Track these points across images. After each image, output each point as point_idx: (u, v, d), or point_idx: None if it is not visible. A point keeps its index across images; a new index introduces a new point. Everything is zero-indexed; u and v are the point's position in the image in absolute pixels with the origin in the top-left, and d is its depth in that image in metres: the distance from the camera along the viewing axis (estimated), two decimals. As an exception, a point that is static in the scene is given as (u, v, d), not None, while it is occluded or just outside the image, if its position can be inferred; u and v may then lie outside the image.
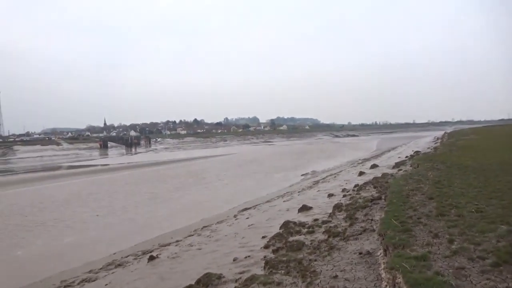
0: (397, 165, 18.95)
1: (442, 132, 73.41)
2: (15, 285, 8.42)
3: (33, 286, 8.29)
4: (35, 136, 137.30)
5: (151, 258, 8.14)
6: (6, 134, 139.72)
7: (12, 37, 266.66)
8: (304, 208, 10.44)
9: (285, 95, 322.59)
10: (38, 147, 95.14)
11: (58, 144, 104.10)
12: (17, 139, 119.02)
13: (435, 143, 39.52)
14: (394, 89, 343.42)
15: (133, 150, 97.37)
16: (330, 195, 12.29)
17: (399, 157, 25.23)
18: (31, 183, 28.90)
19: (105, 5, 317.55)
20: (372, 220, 7.82)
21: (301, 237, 7.41)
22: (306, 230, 7.92)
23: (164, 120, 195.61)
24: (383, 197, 9.68)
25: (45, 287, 8.00)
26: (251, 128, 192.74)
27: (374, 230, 6.96)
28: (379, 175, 15.25)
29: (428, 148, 31.78)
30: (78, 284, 7.71)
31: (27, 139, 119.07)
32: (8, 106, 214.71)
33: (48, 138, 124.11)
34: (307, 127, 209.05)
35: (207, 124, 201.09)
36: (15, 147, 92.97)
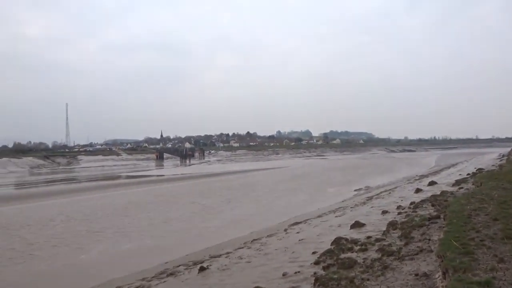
0: (458, 182, 17.94)
1: (509, 149, 68.85)
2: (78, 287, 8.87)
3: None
4: (97, 146, 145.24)
5: (202, 269, 8.21)
6: (71, 144, 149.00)
7: (80, 53, 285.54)
8: (357, 225, 10.13)
9: (338, 108, 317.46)
10: (100, 157, 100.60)
11: (118, 154, 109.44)
12: (81, 149, 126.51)
13: (500, 160, 37.08)
14: (455, 102, 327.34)
15: (188, 161, 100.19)
16: (384, 212, 11.86)
17: (459, 174, 23.91)
18: (93, 191, 30.55)
19: (164, 24, 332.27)
20: (429, 240, 7.42)
21: (353, 255, 7.17)
22: (358, 247, 7.66)
23: (218, 133, 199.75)
24: (442, 216, 9.17)
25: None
26: (304, 142, 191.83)
27: (431, 251, 6.58)
28: (438, 192, 14.51)
29: (493, 165, 29.84)
30: (131, 291, 7.94)
31: (90, 150, 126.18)
32: (75, 117, 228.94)
33: (109, 148, 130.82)
34: (361, 141, 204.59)
35: (259, 137, 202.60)
36: (79, 157, 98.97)
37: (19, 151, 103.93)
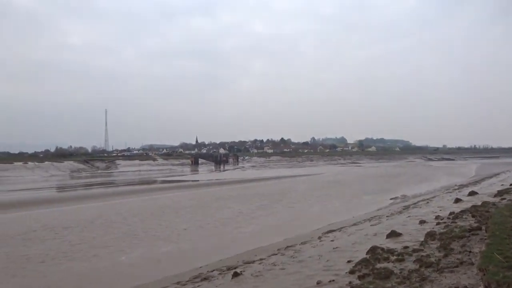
0: (500, 193, 17.25)
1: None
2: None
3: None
4: (134, 151, 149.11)
5: (235, 274, 8.27)
6: (110, 149, 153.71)
7: (119, 61, 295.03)
8: (393, 234, 9.93)
9: (374, 115, 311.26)
10: (136, 162, 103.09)
11: (154, 159, 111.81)
12: (119, 154, 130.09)
13: (547, 170, 35.32)
14: (496, 109, 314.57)
15: (222, 167, 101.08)
16: (421, 222, 11.56)
17: (502, 185, 22.97)
18: (131, 195, 31.43)
19: (200, 31, 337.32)
20: (470, 252, 7.18)
21: (389, 265, 7.04)
22: (395, 257, 7.51)
23: (252, 139, 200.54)
24: (483, 227, 8.85)
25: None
26: (338, 149, 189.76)
27: (472, 264, 6.38)
28: (479, 203, 14.01)
29: (538, 175, 28.49)
30: (167, 294, 8.10)
31: (128, 154, 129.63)
32: (113, 123, 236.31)
33: (146, 153, 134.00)
34: (397, 149, 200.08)
35: (293, 143, 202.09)
36: (117, 162, 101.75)
37: (61, 155, 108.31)
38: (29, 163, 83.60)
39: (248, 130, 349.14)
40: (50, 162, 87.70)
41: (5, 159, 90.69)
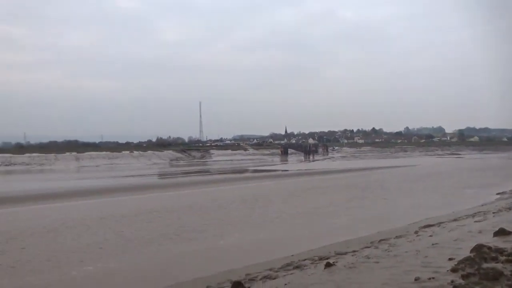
0: None
1: None
2: (213, 270, 9.62)
3: (221, 274, 9.23)
4: (227, 141, 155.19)
5: (328, 265, 8.22)
6: (204, 139, 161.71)
7: (212, 54, 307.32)
8: (502, 232, 9.08)
9: (476, 103, 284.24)
10: (229, 151, 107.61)
11: (245, 149, 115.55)
12: (212, 144, 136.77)
13: None
14: None
15: (311, 157, 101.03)
16: (536, 220, 10.45)
17: None
18: (224, 183, 33.07)
19: (286, 21, 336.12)
20: None
21: (498, 265, 6.49)
22: (504, 258, 6.90)
23: (342, 129, 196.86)
24: None
25: (232, 276, 8.81)
26: (435, 139, 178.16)
27: None
28: None
29: None
30: (260, 279, 8.31)
31: (221, 144, 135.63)
32: (207, 114, 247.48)
33: (237, 144, 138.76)
34: (504, 139, 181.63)
35: (385, 133, 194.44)
36: (211, 151, 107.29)
37: (161, 145, 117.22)
38: (135, 152, 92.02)
39: (338, 120, 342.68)
40: (152, 151, 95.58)
41: (115, 148, 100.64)
